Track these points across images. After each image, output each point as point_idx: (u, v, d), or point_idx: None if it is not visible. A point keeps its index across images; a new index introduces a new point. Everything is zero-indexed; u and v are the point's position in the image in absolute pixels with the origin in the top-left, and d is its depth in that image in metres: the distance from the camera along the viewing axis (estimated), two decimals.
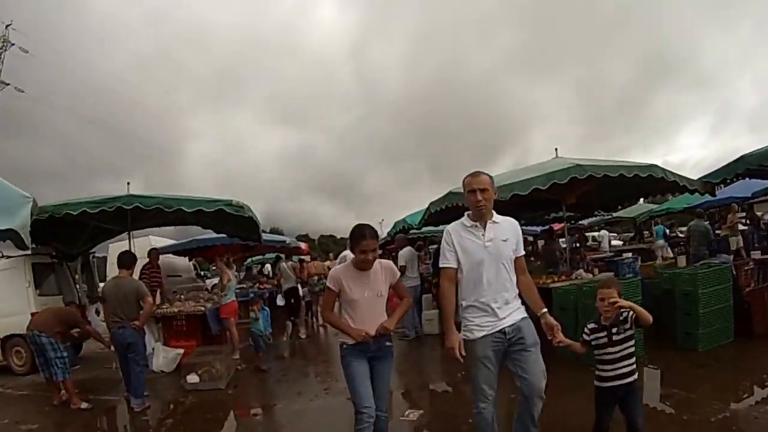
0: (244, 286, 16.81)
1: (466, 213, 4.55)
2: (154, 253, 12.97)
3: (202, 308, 11.13)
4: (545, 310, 4.45)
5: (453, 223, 4.62)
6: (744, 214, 20.64)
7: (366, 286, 4.72)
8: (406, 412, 6.78)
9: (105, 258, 18.34)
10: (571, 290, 8.49)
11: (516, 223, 4.63)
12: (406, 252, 12.39)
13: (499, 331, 4.33)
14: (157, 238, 18.65)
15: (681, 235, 26.02)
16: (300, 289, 16.51)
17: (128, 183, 10.07)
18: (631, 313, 4.47)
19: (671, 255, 18.26)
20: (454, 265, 4.45)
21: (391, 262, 5.10)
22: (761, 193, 17.43)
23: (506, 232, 4.46)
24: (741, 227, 18.98)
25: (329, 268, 13.85)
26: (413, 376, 8.94)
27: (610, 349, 4.50)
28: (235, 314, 11.53)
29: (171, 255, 18.61)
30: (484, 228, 4.41)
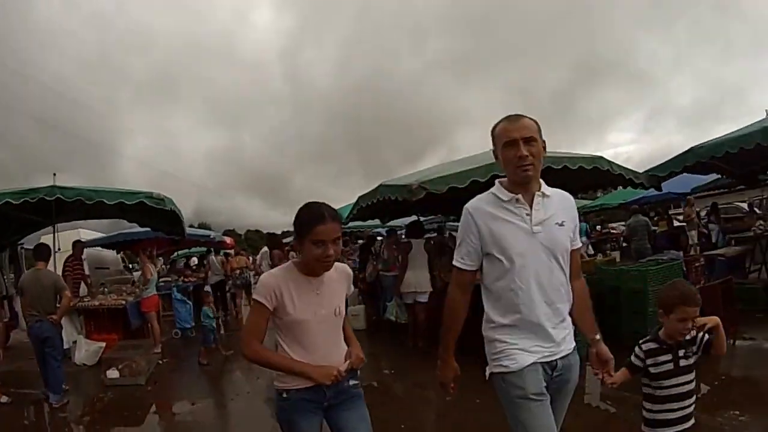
0: (168, 279, 16.68)
1: (497, 181, 2.97)
2: (77, 245, 12.77)
3: (123, 302, 11.02)
4: (599, 335, 3.04)
5: (475, 199, 2.94)
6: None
7: (318, 300, 3.03)
8: None
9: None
10: None
11: (570, 197, 3.17)
12: None
13: (550, 362, 2.84)
14: (87, 231, 18.69)
15: (614, 231, 26.40)
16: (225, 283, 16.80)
17: (54, 174, 9.64)
18: (703, 334, 3.25)
19: (592, 252, 19.49)
20: (474, 266, 2.91)
21: (346, 266, 3.37)
22: (700, 189, 17.20)
23: (561, 212, 2.92)
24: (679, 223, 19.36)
25: (254, 262, 13.59)
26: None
27: (676, 380, 3.19)
28: (156, 308, 11.43)
29: (100, 248, 19.07)
30: (531, 203, 2.83)
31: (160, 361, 10.17)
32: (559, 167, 7.80)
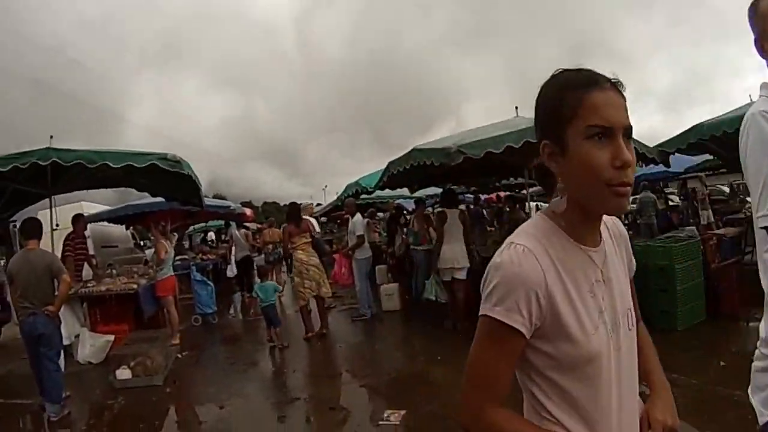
0: (186, 257, 15.18)
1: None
2: (79, 219, 10.93)
3: (135, 286, 9.62)
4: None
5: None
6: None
7: (609, 299, 1.46)
8: (385, 414, 5.63)
9: None
10: None
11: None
12: (361, 219, 11.04)
13: None
14: (91, 203, 17.08)
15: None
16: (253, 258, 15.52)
17: (51, 137, 8.37)
18: None
19: None
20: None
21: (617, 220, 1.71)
22: (693, 170, 17.42)
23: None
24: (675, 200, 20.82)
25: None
26: (383, 365, 7.90)
27: None
28: (173, 291, 10.10)
29: (106, 223, 16.78)
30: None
31: (180, 355, 9.01)
32: None
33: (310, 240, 9.54)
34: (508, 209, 13.24)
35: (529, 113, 8.51)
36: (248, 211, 21.81)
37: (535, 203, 24.98)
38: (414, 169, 8.48)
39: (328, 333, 9.69)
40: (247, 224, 20.40)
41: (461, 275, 8.80)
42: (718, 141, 8.82)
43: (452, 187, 11.95)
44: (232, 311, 13.70)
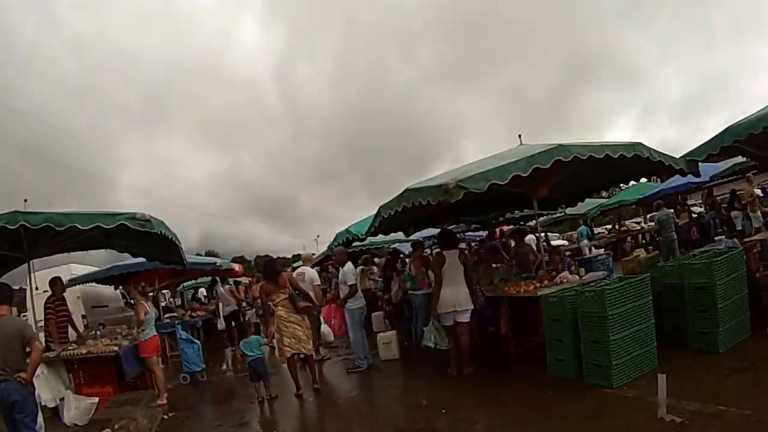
0: (175, 314, 15.37)
1: None
2: (56, 282, 10.53)
3: (116, 348, 9.16)
4: None
5: None
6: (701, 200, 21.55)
7: None
8: None
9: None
10: (567, 297, 7.17)
11: None
12: (351, 268, 10.50)
13: None
14: (79, 266, 17.19)
15: (634, 228, 25.44)
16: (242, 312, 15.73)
17: (25, 200, 8.30)
18: None
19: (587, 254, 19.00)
20: None
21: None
22: (719, 177, 17.32)
23: None
24: (697, 211, 19.90)
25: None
26: (383, 420, 7.34)
27: None
28: (157, 351, 9.76)
29: (95, 284, 16.86)
30: None
31: (166, 416, 8.65)
32: (601, 156, 7.26)
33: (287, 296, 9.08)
34: (513, 243, 12.74)
35: (533, 140, 8.02)
36: (236, 267, 21.57)
37: (543, 233, 24.77)
38: (407, 211, 8.03)
39: (322, 388, 9.17)
40: (238, 279, 20.54)
41: (464, 318, 8.33)
42: (756, 140, 8.34)
43: (453, 226, 11.65)
44: (224, 367, 13.23)
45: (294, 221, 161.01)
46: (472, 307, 8.36)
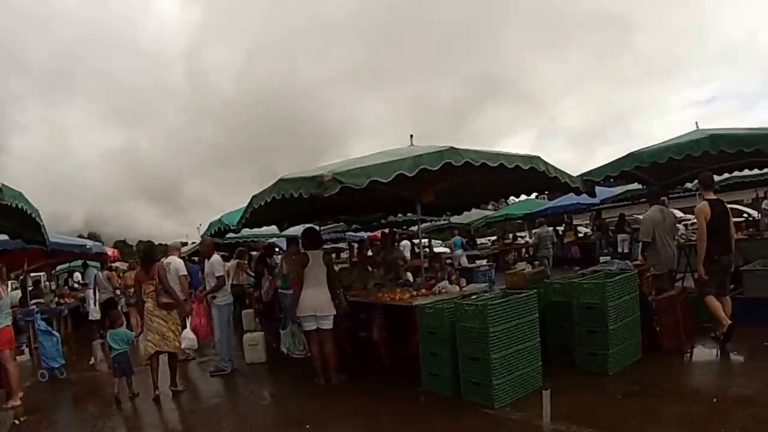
0: (42, 300, 14.41)
1: None
2: None
3: None
4: None
5: None
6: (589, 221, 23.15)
7: None
8: None
9: None
10: (445, 309, 6.65)
11: None
12: (219, 260, 9.75)
13: None
14: None
15: (522, 240, 26.05)
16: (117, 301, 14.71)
17: None
18: None
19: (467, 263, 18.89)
20: None
21: None
22: (610, 200, 18.04)
23: None
24: (583, 231, 19.99)
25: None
26: None
27: None
28: (9, 345, 8.45)
29: None
30: None
31: (17, 420, 7.59)
32: (495, 164, 6.96)
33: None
34: (382, 247, 12.21)
35: (426, 143, 7.84)
36: (110, 251, 20.25)
37: (426, 239, 24.51)
38: (282, 203, 7.33)
39: (182, 392, 8.40)
40: (116, 265, 19.89)
41: (327, 324, 7.83)
42: (656, 169, 8.75)
43: (337, 224, 11.14)
44: (92, 361, 12.08)
45: (181, 207, 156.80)
46: (335, 312, 7.89)
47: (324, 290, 7.86)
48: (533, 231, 18.57)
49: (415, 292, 8.02)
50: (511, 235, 29.10)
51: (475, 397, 6.14)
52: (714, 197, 7.92)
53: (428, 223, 20.75)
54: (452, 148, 6.60)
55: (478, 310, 6.08)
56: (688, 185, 12.96)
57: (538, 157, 7.67)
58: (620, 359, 6.89)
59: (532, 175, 7.70)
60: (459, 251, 21.99)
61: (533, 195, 12.06)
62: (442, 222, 21.34)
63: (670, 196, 17.95)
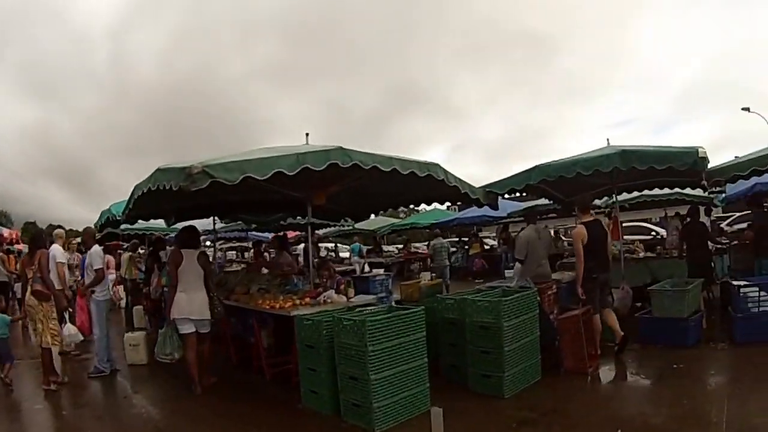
0: None
1: None
2: None
3: None
4: None
5: None
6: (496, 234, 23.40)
7: None
8: None
9: None
10: (323, 322, 6.09)
11: None
12: (98, 251, 8.97)
13: None
14: None
15: (422, 252, 26.08)
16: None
17: None
18: None
19: (368, 270, 19.03)
20: None
21: None
22: (517, 214, 17.94)
23: None
24: (491, 244, 22.87)
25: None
26: None
27: None
28: None
29: None
30: None
31: None
32: (388, 169, 6.58)
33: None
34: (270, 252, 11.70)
35: (321, 142, 7.17)
36: (8, 232, 19.43)
37: (332, 244, 23.88)
38: (166, 195, 6.48)
39: (55, 392, 7.74)
40: (20, 247, 18.81)
41: (204, 328, 7.44)
42: (565, 183, 8.75)
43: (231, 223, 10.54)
44: None
45: (94, 193, 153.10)
46: (209, 317, 7.50)
47: (200, 292, 7.41)
48: (430, 242, 18.43)
49: (298, 301, 7.44)
50: (417, 245, 28.81)
51: (355, 419, 5.63)
52: (591, 219, 8.04)
53: (332, 228, 20.50)
54: (340, 148, 6.15)
55: (356, 326, 5.55)
56: (597, 201, 12.98)
57: (437, 165, 7.34)
58: (517, 382, 6.46)
59: (433, 183, 7.42)
60: (356, 257, 21.73)
61: (446, 205, 11.83)
62: (347, 227, 21.09)
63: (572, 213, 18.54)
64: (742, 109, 35.39)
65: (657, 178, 10.32)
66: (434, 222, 21.84)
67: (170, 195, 6.38)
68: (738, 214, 19.95)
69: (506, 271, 13.54)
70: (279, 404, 6.64)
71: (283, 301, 7.35)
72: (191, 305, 7.26)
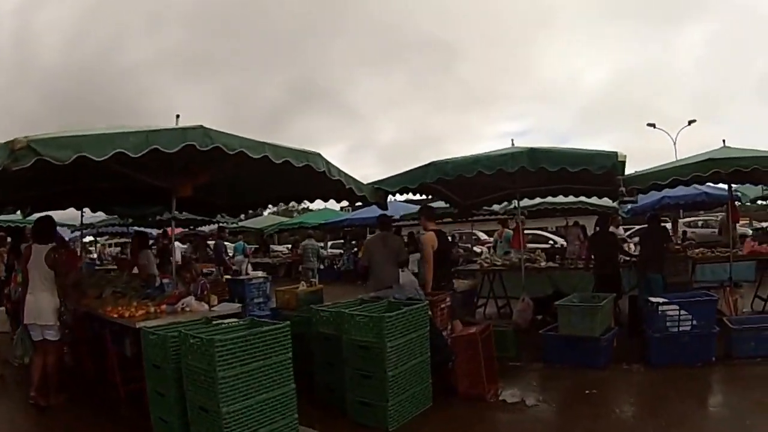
0: None
1: None
2: None
3: None
4: None
5: None
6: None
7: None
8: None
9: None
10: (172, 338, 4.99)
11: None
12: None
13: None
14: None
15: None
16: None
17: None
18: None
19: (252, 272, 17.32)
20: None
21: None
22: (410, 217, 17.49)
23: None
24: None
25: None
26: None
27: None
28: None
29: None
30: None
31: None
32: (258, 156, 5.63)
33: None
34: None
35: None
36: None
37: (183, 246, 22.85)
38: (16, 180, 5.58)
39: None
40: None
41: (51, 335, 6.42)
42: (464, 184, 8.48)
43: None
44: None
45: None
46: (57, 322, 6.49)
47: (45, 294, 6.46)
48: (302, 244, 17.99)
49: (153, 308, 6.44)
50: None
51: None
52: (436, 228, 7.95)
53: (213, 225, 19.41)
54: (201, 127, 5.21)
55: (204, 347, 4.50)
56: (496, 207, 12.97)
57: (317, 155, 6.50)
58: (404, 411, 5.58)
59: (317, 178, 6.66)
60: (240, 257, 20.66)
61: (342, 205, 11.16)
62: (232, 225, 20.47)
63: (476, 218, 18.83)
64: (648, 124, 36.62)
65: (565, 185, 9.86)
66: (323, 222, 21.70)
67: (23, 181, 5.89)
68: (638, 227, 20.12)
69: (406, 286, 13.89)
70: (134, 428, 5.70)
71: (135, 309, 6.35)
72: (38, 309, 6.40)
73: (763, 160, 7.83)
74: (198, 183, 6.96)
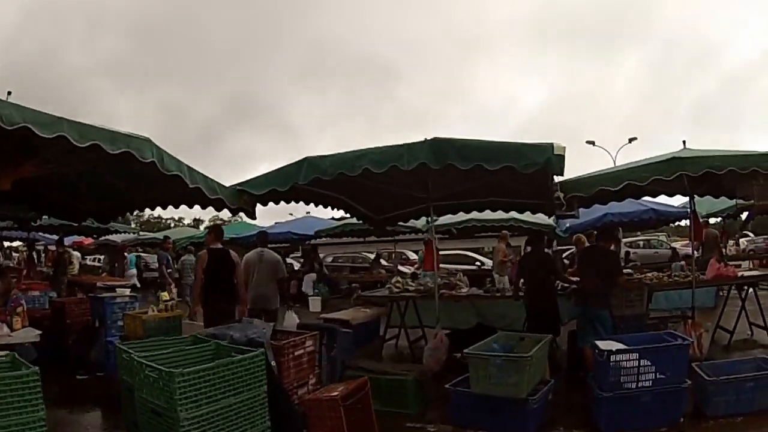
0: None
1: None
2: None
3: None
4: None
5: None
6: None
7: None
8: None
9: None
10: None
11: None
12: None
13: None
14: None
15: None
16: None
17: None
18: None
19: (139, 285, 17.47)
20: None
21: None
22: (324, 233, 17.07)
23: None
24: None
25: None
26: None
27: None
28: None
29: None
30: None
31: None
32: (51, 135, 4.02)
33: None
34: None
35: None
36: None
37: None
38: None
39: None
40: None
41: None
42: (369, 194, 7.73)
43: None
44: None
45: None
46: None
47: None
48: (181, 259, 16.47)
49: None
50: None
51: None
52: (220, 246, 7.72)
53: (127, 235, 18.92)
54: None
55: None
56: (414, 222, 11.45)
57: (146, 140, 4.76)
58: None
59: (174, 178, 5.10)
60: (132, 270, 19.04)
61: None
62: (145, 237, 19.41)
63: (400, 238, 17.80)
64: (587, 142, 35.56)
65: (490, 197, 8.33)
66: (234, 237, 19.24)
67: None
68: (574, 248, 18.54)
69: (310, 297, 14.84)
70: None
71: None
72: None
73: (739, 160, 6.13)
74: (23, 175, 5.64)
